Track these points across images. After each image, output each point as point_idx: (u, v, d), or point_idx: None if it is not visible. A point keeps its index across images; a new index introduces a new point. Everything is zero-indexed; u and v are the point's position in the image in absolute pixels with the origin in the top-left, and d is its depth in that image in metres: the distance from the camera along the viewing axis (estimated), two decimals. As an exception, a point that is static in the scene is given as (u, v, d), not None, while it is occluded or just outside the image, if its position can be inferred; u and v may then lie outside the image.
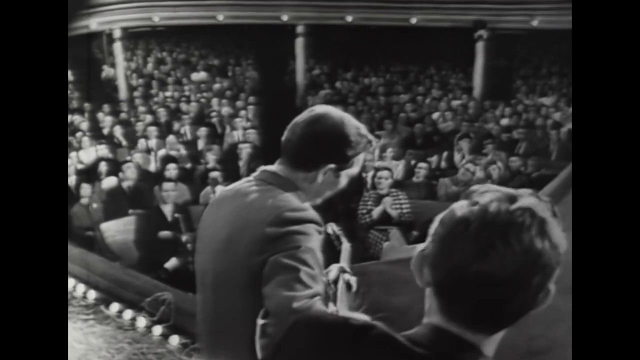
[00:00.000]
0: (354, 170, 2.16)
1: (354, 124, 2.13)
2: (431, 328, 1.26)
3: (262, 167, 2.18)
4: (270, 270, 1.94)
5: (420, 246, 1.31)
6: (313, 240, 1.99)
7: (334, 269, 2.28)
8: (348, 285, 2.28)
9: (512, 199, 1.21)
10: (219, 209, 2.19)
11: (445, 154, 9.63)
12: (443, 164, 9.57)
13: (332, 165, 2.11)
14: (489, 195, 1.23)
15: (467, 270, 1.18)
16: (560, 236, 1.21)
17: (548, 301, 1.23)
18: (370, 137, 2.18)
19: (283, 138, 2.15)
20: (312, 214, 2.04)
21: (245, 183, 2.17)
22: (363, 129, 2.16)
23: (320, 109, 2.15)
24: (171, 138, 9.95)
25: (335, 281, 2.24)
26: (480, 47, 11.76)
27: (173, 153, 9.34)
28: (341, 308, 2.21)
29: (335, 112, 2.14)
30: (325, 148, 2.10)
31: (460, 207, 1.23)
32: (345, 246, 2.31)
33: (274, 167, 2.16)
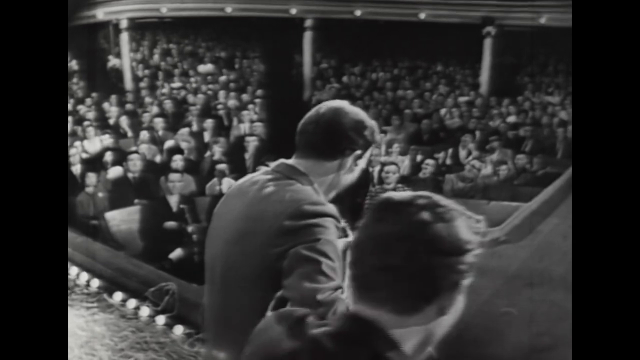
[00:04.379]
0: (365, 161, 2.25)
1: (365, 114, 2.25)
2: (347, 315, 1.35)
3: (281, 160, 2.21)
4: (290, 262, 1.95)
5: None
6: (331, 234, 2.01)
7: (341, 242, 2.24)
8: None
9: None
10: (235, 200, 2.20)
11: (450, 150, 9.65)
12: (448, 161, 9.58)
13: (359, 152, 2.19)
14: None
15: (375, 258, 1.30)
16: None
17: (456, 310, 1.32)
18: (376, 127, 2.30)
19: (300, 135, 2.21)
20: (331, 208, 2.07)
21: (262, 175, 2.19)
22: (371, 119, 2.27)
23: (334, 103, 2.24)
24: (183, 130, 10.00)
25: (344, 253, 2.19)
26: (487, 43, 11.73)
27: (184, 145, 9.41)
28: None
29: (346, 104, 2.24)
30: (350, 134, 2.17)
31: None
32: (351, 239, 2.29)
33: (292, 161, 2.19)
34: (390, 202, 1.33)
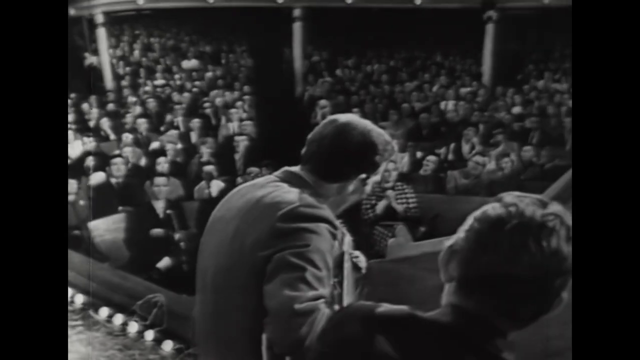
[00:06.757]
0: (378, 177, 2.22)
1: (378, 131, 2.19)
2: (452, 307, 1.37)
3: (285, 168, 2.20)
4: (275, 267, 1.92)
5: (448, 241, 1.40)
6: (324, 241, 1.97)
7: (337, 247, 2.19)
8: (356, 267, 2.29)
9: (544, 204, 1.34)
10: (231, 203, 2.18)
11: (452, 145, 9.49)
12: (450, 156, 9.43)
13: (364, 175, 2.16)
14: (520, 199, 1.35)
15: (496, 268, 1.31)
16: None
17: (560, 308, 1.36)
18: (394, 143, 2.24)
19: (306, 149, 2.19)
20: (328, 213, 2.04)
21: (263, 180, 2.19)
22: (387, 135, 2.21)
23: (343, 118, 2.18)
24: (171, 132, 9.96)
25: (341, 263, 2.18)
26: (489, 29, 11.60)
27: (169, 147, 9.31)
28: (348, 293, 2.19)
29: (358, 119, 2.19)
30: (356, 159, 2.14)
31: (494, 208, 1.35)
32: (347, 239, 2.24)
33: (297, 170, 2.18)
34: (527, 224, 1.31)
